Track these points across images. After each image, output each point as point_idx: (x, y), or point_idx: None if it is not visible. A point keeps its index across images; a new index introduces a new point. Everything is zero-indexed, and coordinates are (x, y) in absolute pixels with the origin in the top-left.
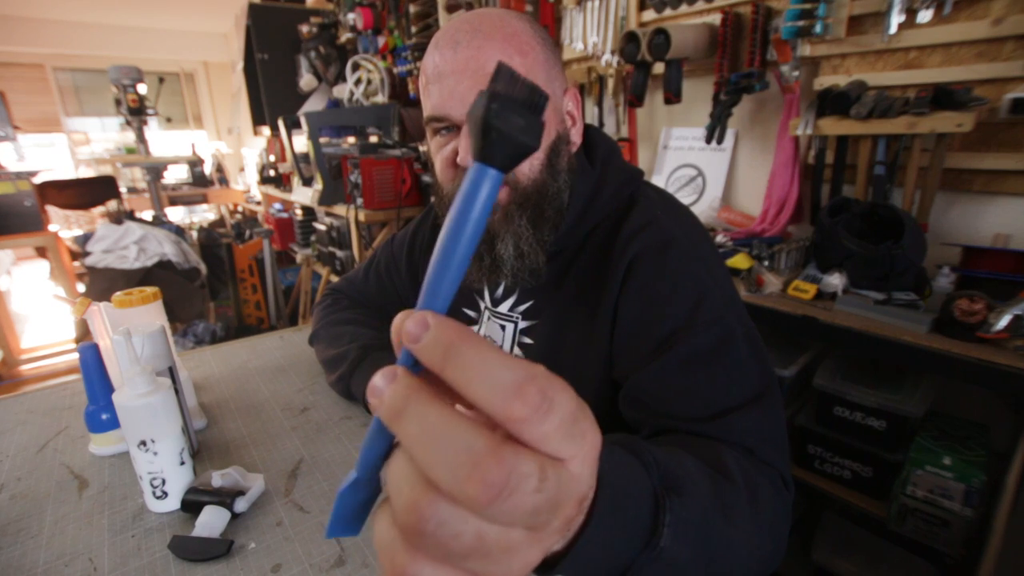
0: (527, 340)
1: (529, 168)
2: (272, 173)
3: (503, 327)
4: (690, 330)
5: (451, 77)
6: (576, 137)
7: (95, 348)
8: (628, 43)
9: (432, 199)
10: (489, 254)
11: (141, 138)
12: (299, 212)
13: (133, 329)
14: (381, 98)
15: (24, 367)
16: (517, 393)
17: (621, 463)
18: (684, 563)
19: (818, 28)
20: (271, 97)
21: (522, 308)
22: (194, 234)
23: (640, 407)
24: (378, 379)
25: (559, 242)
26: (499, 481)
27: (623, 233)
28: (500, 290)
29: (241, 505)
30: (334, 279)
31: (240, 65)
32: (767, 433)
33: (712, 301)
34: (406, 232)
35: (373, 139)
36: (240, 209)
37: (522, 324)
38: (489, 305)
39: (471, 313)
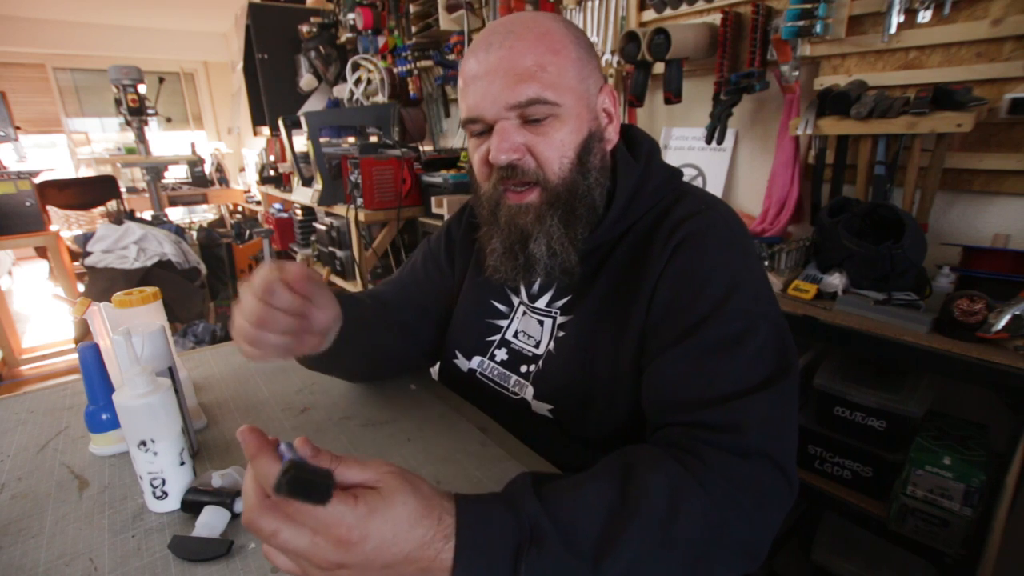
0: (563, 334)
1: (559, 167)
2: (272, 173)
3: (541, 322)
4: (717, 318)
5: (484, 79)
6: (613, 134)
7: (95, 348)
8: (628, 43)
9: (470, 196)
10: (523, 253)
11: (141, 138)
12: (299, 212)
13: (133, 329)
14: (381, 98)
15: (24, 367)
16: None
17: (481, 522)
18: None
19: (818, 28)
20: (271, 97)
21: (560, 303)
22: (194, 234)
23: (652, 393)
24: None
25: (602, 235)
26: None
27: (668, 222)
28: (536, 285)
29: (241, 505)
30: (334, 279)
31: (240, 65)
32: (764, 420)
33: (745, 291)
34: (441, 228)
35: (373, 139)
36: (240, 209)
37: (560, 319)
38: (526, 300)
39: (502, 307)
